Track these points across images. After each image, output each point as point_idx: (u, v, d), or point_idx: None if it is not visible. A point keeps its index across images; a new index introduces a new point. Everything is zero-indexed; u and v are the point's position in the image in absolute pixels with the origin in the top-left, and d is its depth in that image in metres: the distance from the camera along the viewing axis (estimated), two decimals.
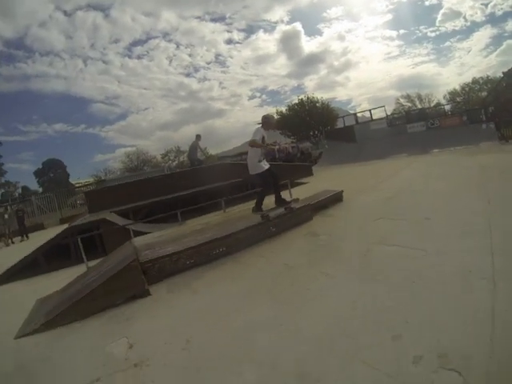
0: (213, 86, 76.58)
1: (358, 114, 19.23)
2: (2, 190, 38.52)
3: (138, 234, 6.30)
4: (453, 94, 39.51)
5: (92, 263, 4.88)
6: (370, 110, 17.18)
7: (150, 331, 2.67)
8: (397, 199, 5.40)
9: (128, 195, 9.45)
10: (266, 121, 4.78)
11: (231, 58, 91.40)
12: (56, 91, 63.07)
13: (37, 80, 60.86)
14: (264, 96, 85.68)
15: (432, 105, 33.41)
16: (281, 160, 22.12)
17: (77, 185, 30.47)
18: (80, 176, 41.33)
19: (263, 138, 4.58)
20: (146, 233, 6.40)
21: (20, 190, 40.08)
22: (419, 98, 39.39)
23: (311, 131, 32.57)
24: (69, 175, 42.36)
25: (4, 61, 51.85)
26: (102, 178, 32.53)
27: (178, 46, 74.57)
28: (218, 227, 4.87)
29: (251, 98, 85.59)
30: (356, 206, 5.62)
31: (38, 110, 59.85)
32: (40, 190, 39.25)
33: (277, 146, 24.06)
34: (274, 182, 4.85)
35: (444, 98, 39.89)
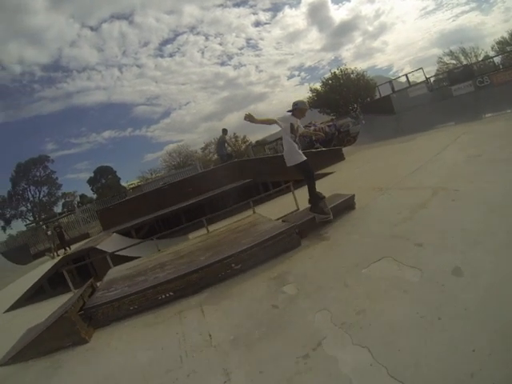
0: (249, 70, 74.56)
1: (401, 79, 16.71)
2: (63, 201, 42.06)
3: (128, 259, 5.94)
4: (502, 44, 33.26)
5: None
6: (406, 75, 14.61)
7: None
8: (423, 212, 3.75)
9: (135, 210, 9.18)
10: (297, 107, 4.33)
11: (262, 40, 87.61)
12: (98, 102, 66.84)
13: (79, 95, 64.97)
14: (303, 73, 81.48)
15: (479, 59, 28.02)
16: (318, 142, 20.64)
17: (130, 186, 31.75)
18: (129, 178, 43.28)
19: (292, 126, 4.24)
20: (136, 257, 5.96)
21: (78, 199, 43.42)
22: (463, 52, 33.71)
23: (350, 105, 30.00)
24: (119, 179, 44.52)
25: (46, 84, 56.57)
26: (148, 179, 33.75)
27: (207, 38, 73.70)
28: (183, 260, 4.27)
29: (290, 77, 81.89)
30: (365, 220, 4.19)
31: (85, 122, 63.67)
32: (94, 196, 41.95)
33: (312, 128, 22.51)
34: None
35: (492, 49, 33.71)
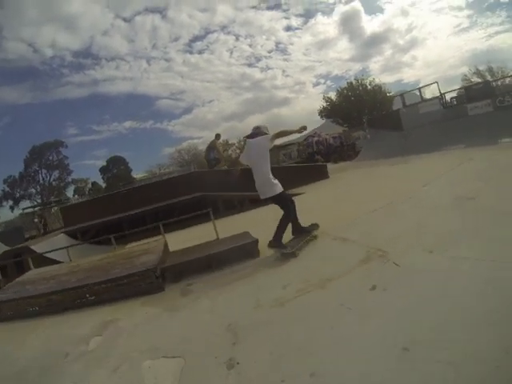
0: (276, 74, 74.50)
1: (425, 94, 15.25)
2: (74, 186, 42.47)
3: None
4: None
5: None
6: (419, 89, 13.21)
7: None
8: (310, 298, 2.54)
9: (96, 211, 8.92)
10: (261, 131, 4.01)
11: (292, 45, 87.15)
12: (123, 92, 69.11)
13: (105, 83, 67.55)
14: (328, 82, 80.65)
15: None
16: (320, 153, 20.34)
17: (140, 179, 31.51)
18: (143, 170, 43.25)
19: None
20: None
21: (90, 185, 43.78)
22: (490, 71, 31.21)
23: (364, 118, 28.62)
24: (131, 170, 44.53)
25: (75, 70, 58.48)
26: (157, 173, 33.64)
27: (237, 38, 74.14)
28: (67, 277, 4.27)
29: (316, 84, 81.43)
30: (240, 284, 3.25)
31: (109, 110, 65.27)
32: (104, 185, 42.12)
33: (315, 138, 22.00)
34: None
35: None
